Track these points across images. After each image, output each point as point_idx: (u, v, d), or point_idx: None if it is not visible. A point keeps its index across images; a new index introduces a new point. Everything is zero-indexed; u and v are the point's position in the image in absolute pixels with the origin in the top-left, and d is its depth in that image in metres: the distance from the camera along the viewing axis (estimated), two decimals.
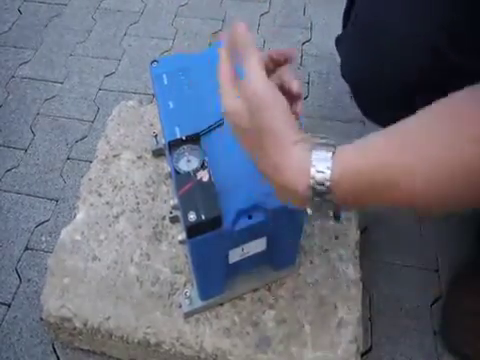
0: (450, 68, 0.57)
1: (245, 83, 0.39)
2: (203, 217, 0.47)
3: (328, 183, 0.36)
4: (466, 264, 0.85)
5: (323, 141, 0.38)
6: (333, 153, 0.36)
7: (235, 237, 0.52)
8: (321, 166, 0.36)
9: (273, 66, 0.44)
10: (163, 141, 0.76)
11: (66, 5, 1.46)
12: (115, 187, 0.79)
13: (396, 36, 0.58)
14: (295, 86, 0.43)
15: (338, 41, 0.75)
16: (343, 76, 0.70)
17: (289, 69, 0.42)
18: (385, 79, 0.61)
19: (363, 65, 0.64)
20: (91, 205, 0.77)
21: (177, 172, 0.50)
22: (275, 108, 0.38)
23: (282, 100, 0.39)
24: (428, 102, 0.62)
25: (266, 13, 1.42)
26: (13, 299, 0.86)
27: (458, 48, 0.56)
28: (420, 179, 0.33)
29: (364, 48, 0.63)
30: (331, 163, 0.35)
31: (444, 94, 0.61)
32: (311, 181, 0.36)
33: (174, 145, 0.53)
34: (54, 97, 1.21)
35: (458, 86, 0.60)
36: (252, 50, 0.40)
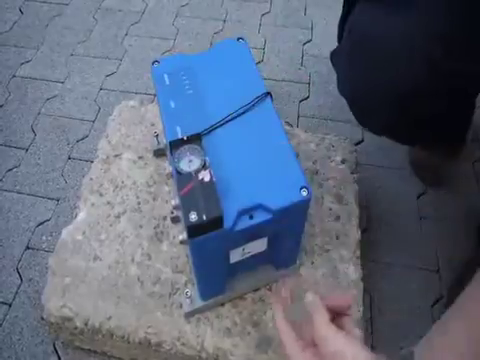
0: (445, 75, 0.57)
1: (320, 345, 0.44)
2: (204, 217, 0.47)
3: None
4: (467, 264, 0.85)
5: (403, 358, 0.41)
6: None
7: (236, 237, 0.52)
8: None
9: (332, 314, 0.48)
10: (164, 141, 0.76)
11: (67, 5, 1.46)
12: (116, 187, 0.79)
13: (391, 49, 0.58)
14: (357, 334, 0.47)
15: (333, 56, 0.75)
16: (340, 91, 0.70)
17: (350, 321, 0.48)
18: (381, 92, 0.61)
19: (359, 80, 0.64)
20: (92, 205, 0.77)
21: (178, 172, 0.50)
22: (355, 357, 0.41)
23: (357, 344, 0.42)
24: (423, 109, 0.62)
25: (267, 13, 1.42)
26: (14, 299, 0.86)
27: (453, 57, 0.56)
28: None
29: (359, 62, 0.63)
30: None
31: (437, 100, 0.61)
32: None
33: (175, 145, 0.53)
34: (55, 97, 1.21)
35: (452, 91, 0.60)
36: (322, 312, 0.46)
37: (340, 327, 0.46)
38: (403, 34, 0.58)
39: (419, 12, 0.56)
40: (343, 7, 0.70)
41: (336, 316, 0.48)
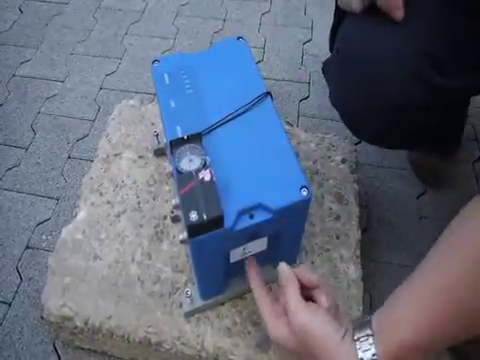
0: (436, 90, 0.57)
1: (290, 317, 0.47)
2: (204, 217, 0.47)
3: None
4: None
5: (361, 325, 0.43)
6: (372, 337, 0.41)
7: (236, 237, 0.52)
8: (366, 356, 0.41)
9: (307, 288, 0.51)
10: (164, 140, 0.76)
11: (67, 4, 1.46)
12: (116, 186, 0.79)
13: (381, 64, 0.59)
14: (325, 303, 0.49)
15: (325, 66, 0.75)
16: (332, 102, 0.70)
17: (321, 292, 0.49)
18: (373, 106, 0.61)
19: (351, 93, 0.64)
20: (92, 204, 0.77)
21: (179, 172, 0.50)
22: (319, 329, 0.44)
23: (322, 316, 0.45)
24: (416, 121, 0.63)
25: (267, 12, 1.42)
26: (14, 298, 0.86)
27: (439, 70, 0.57)
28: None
29: (350, 76, 0.63)
30: (375, 349, 0.41)
31: (430, 112, 0.62)
32: None
33: (175, 144, 0.52)
34: (55, 96, 1.21)
35: (441, 104, 0.61)
36: (294, 284, 0.49)
37: (311, 298, 0.49)
38: (393, 49, 0.58)
39: (406, 28, 0.57)
40: (334, 17, 0.70)
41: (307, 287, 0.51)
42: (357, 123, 0.69)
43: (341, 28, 0.66)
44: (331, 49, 0.74)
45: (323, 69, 0.76)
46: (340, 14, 0.67)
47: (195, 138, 0.53)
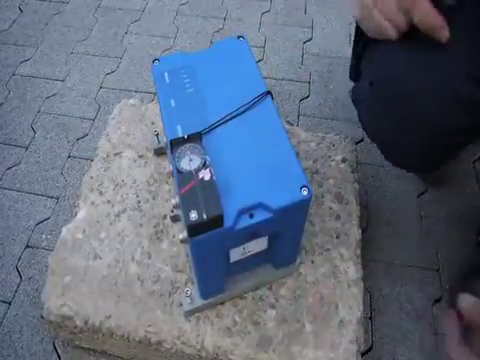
0: (477, 111, 0.55)
1: None
2: (204, 216, 0.47)
3: None
4: (467, 263, 0.85)
5: None
6: None
7: (236, 236, 0.52)
8: None
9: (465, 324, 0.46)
10: (164, 140, 0.76)
11: (67, 3, 1.46)
12: (116, 185, 0.79)
13: (420, 91, 0.56)
14: None
15: (354, 94, 0.72)
16: (368, 135, 0.69)
17: None
18: (413, 134, 0.59)
19: (392, 128, 0.62)
20: (92, 203, 0.77)
21: (179, 171, 0.50)
22: None
23: None
24: (455, 144, 0.61)
25: (267, 12, 1.42)
26: (14, 297, 0.86)
27: None
28: None
29: (390, 112, 0.61)
30: None
31: (469, 133, 0.60)
32: None
33: (176, 144, 0.52)
34: (55, 95, 1.21)
35: None
36: (452, 329, 0.44)
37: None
38: (431, 76, 0.55)
39: (445, 54, 0.54)
40: (354, 43, 0.67)
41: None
42: (399, 155, 0.67)
43: (371, 57, 0.63)
44: (354, 77, 0.71)
45: (354, 100, 0.72)
46: (365, 40, 0.63)
47: (195, 137, 0.53)
